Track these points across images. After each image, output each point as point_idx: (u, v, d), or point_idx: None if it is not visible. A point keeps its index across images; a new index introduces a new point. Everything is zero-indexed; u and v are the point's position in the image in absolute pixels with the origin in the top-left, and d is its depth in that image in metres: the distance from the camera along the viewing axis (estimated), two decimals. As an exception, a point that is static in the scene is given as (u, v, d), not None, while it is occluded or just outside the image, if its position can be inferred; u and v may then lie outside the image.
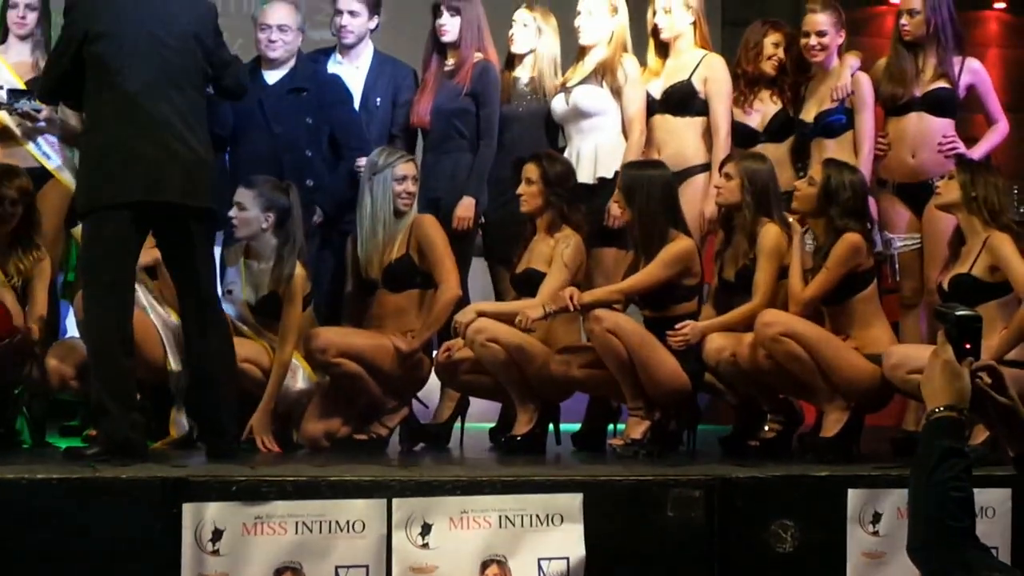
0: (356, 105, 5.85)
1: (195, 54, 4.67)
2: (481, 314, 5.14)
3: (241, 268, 5.31)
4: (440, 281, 5.30)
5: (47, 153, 5.65)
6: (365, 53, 5.97)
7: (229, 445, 4.73)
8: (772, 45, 5.80)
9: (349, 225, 5.59)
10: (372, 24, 5.95)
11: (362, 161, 5.56)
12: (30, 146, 5.61)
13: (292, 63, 5.74)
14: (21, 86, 5.60)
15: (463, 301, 5.42)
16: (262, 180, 5.27)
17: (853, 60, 5.68)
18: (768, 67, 5.80)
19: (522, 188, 5.36)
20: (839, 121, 5.64)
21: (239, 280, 5.30)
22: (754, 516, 4.14)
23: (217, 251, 5.27)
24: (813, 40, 5.66)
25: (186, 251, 4.68)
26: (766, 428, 5.25)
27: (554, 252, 5.26)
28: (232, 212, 5.19)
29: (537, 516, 4.04)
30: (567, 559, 4.02)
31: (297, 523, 3.88)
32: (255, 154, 5.62)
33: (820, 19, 5.65)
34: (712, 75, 5.74)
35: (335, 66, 5.97)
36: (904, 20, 5.62)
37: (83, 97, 4.65)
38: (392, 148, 5.59)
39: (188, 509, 3.82)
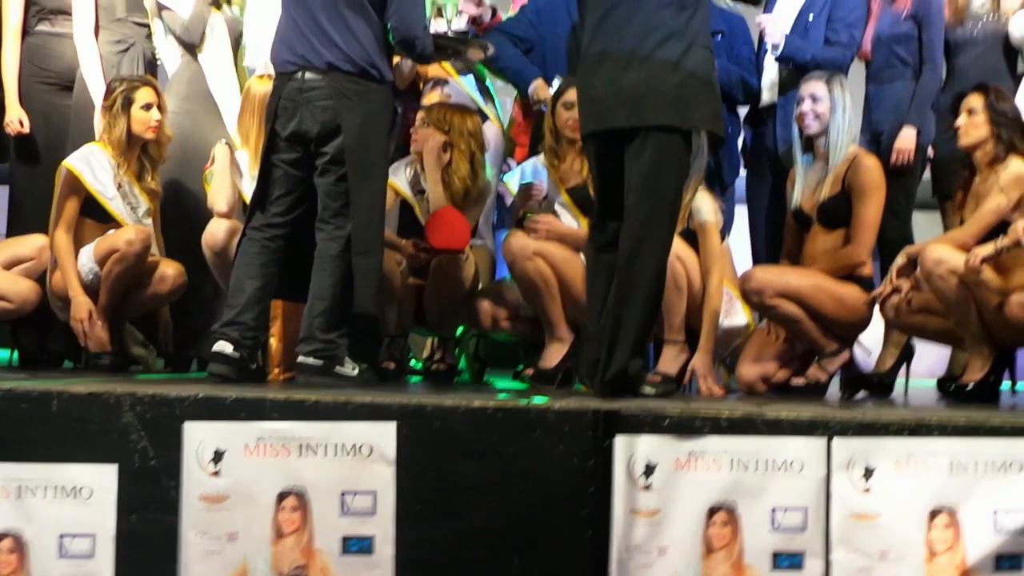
0: (790, 25, 5.53)
1: None
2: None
3: None
4: (854, 239, 5.00)
5: None
6: None
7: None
8: None
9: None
10: None
11: None
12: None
13: None
14: None
15: (901, 243, 5.08)
16: None
17: None
18: None
19: (962, 119, 4.90)
20: None
21: None
22: None
23: None
24: None
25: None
26: None
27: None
28: None
29: (993, 463, 3.71)
30: (1029, 512, 3.68)
31: (732, 460, 3.73)
32: None
33: None
34: None
35: None
36: None
37: None
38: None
39: (620, 441, 3.75)
